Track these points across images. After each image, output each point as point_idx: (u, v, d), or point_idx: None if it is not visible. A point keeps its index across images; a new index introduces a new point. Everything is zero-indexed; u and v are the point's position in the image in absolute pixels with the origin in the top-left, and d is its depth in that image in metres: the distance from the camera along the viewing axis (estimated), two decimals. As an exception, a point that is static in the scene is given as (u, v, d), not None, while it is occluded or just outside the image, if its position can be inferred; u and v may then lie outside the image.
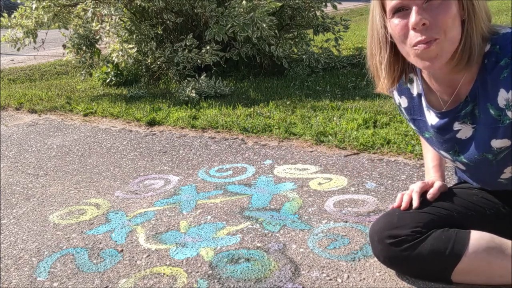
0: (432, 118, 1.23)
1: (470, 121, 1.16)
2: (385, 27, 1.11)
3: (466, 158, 1.22)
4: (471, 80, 1.11)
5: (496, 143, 1.13)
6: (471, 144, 1.18)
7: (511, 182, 1.22)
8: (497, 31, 1.08)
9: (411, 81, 1.25)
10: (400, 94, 1.31)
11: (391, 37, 1.10)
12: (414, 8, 1.02)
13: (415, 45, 1.04)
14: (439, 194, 1.32)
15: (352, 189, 1.92)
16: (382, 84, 1.19)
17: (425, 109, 1.25)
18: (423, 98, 1.24)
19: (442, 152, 1.29)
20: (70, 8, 4.16)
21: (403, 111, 1.34)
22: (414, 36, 1.04)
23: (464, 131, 1.18)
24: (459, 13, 1.03)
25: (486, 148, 1.15)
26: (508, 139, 1.11)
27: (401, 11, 1.05)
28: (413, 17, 1.02)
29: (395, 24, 1.06)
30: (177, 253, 1.53)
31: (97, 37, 3.91)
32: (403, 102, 1.31)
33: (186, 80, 3.77)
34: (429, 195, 1.31)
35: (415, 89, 1.26)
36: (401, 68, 1.18)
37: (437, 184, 1.33)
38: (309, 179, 2.05)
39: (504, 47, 1.04)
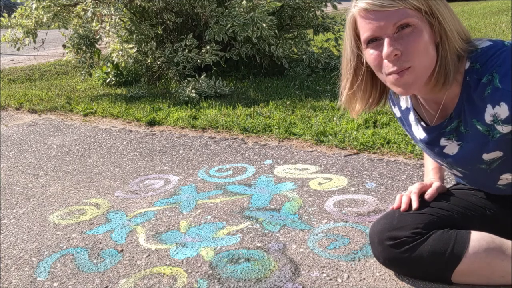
0: (420, 133, 1.26)
1: (455, 138, 1.17)
2: (358, 57, 1.14)
3: (460, 167, 1.23)
4: (454, 97, 1.12)
5: (488, 156, 1.14)
6: (461, 158, 1.19)
7: (509, 188, 1.23)
8: (475, 47, 1.09)
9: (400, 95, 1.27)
10: (393, 104, 1.34)
11: (367, 64, 1.13)
12: (386, 40, 1.04)
13: (389, 74, 1.07)
14: (437, 194, 1.32)
15: (352, 189, 1.92)
16: (351, 109, 1.22)
17: (413, 123, 1.28)
18: (411, 113, 1.27)
19: (438, 161, 1.30)
20: (70, 8, 4.16)
21: (398, 120, 1.37)
22: (387, 66, 1.06)
23: (450, 147, 1.20)
24: (432, 37, 1.05)
25: (478, 161, 1.16)
26: (499, 151, 1.12)
27: (374, 41, 1.07)
28: (385, 49, 1.04)
29: (369, 53, 1.09)
30: (177, 253, 1.53)
31: (97, 37, 3.91)
32: (397, 112, 1.35)
33: (186, 80, 3.77)
34: (426, 195, 1.31)
35: (404, 103, 1.29)
36: (380, 91, 1.21)
37: (435, 184, 1.34)
38: (309, 179, 2.05)
39: (485, 63, 1.06)
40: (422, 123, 1.24)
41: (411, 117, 1.27)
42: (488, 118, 1.07)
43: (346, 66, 1.17)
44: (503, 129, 1.06)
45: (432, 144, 1.23)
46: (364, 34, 1.07)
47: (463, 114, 1.12)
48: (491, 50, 1.06)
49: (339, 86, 1.22)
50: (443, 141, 1.20)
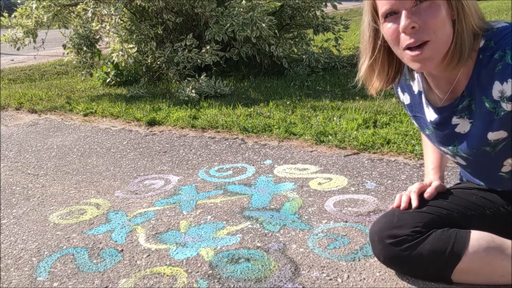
0: (431, 114, 1.25)
1: (467, 116, 1.17)
2: (375, 31, 1.14)
3: (465, 152, 1.23)
4: (467, 75, 1.13)
5: (493, 136, 1.14)
6: (470, 137, 1.19)
7: (511, 177, 1.23)
8: (491, 27, 1.09)
9: (413, 79, 1.27)
10: (403, 91, 1.34)
11: (384, 40, 1.13)
12: (403, 12, 1.04)
13: (407, 48, 1.07)
14: (436, 193, 1.32)
15: (352, 189, 1.92)
16: (370, 85, 1.23)
17: (424, 105, 1.27)
18: (423, 96, 1.26)
19: (442, 148, 1.30)
20: (70, 8, 4.16)
21: (406, 107, 1.35)
22: (404, 39, 1.06)
23: (462, 125, 1.20)
24: (449, 13, 1.05)
25: (483, 141, 1.16)
26: (504, 130, 1.12)
27: (392, 15, 1.07)
28: (402, 21, 1.04)
29: (387, 28, 1.09)
30: (177, 253, 1.53)
31: (97, 37, 3.91)
32: (406, 99, 1.33)
33: (186, 80, 3.77)
34: (426, 194, 1.31)
35: (416, 86, 1.28)
36: (396, 69, 1.21)
37: (435, 183, 1.34)
38: (309, 179, 2.05)
39: (499, 41, 1.06)
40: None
41: (423, 99, 1.27)
42: (496, 94, 1.07)
43: (364, 42, 1.18)
44: (507, 106, 1.07)
45: (443, 125, 1.23)
46: (383, 8, 1.08)
47: (474, 92, 1.12)
48: (506, 30, 1.07)
49: (358, 67, 1.23)
50: (455, 120, 1.20)
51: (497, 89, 1.07)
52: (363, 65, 1.20)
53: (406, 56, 1.08)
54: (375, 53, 1.16)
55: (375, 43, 1.15)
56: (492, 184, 1.30)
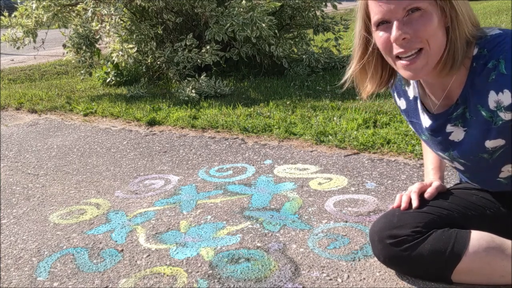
0: (426, 121, 1.26)
1: (461, 124, 1.17)
2: (366, 38, 1.15)
3: (462, 158, 1.23)
4: (461, 83, 1.12)
5: (490, 144, 1.14)
6: (465, 146, 1.19)
7: (510, 182, 1.23)
8: (484, 34, 1.09)
9: (409, 84, 1.27)
10: (399, 96, 1.34)
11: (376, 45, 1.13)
12: (395, 23, 1.05)
13: (398, 56, 1.07)
14: (437, 193, 1.32)
15: (352, 189, 1.92)
16: (362, 89, 1.23)
17: (420, 111, 1.27)
18: (418, 101, 1.26)
19: (440, 153, 1.30)
20: (70, 7, 4.16)
21: (402, 112, 1.35)
22: (396, 48, 1.07)
23: (456, 133, 1.20)
24: (442, 20, 1.05)
25: (480, 149, 1.16)
26: (502, 139, 1.12)
27: (384, 23, 1.07)
28: (393, 32, 1.05)
29: (379, 36, 1.09)
30: (177, 253, 1.53)
31: (97, 37, 3.91)
32: (402, 104, 1.33)
33: (186, 80, 3.77)
34: (426, 194, 1.31)
35: (412, 92, 1.29)
36: (389, 72, 1.21)
37: (435, 184, 1.34)
38: (309, 179, 2.05)
39: (492, 49, 1.06)
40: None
41: (419, 105, 1.27)
42: (492, 104, 1.07)
43: (356, 46, 1.18)
44: (506, 116, 1.06)
45: (438, 132, 1.23)
46: (375, 17, 1.08)
47: (468, 100, 1.12)
48: (500, 37, 1.06)
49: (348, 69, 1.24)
50: (449, 128, 1.20)
51: (492, 99, 1.06)
52: (350, 69, 1.21)
53: (399, 65, 1.09)
54: (367, 58, 1.17)
55: (365, 49, 1.16)
56: (491, 189, 1.30)
